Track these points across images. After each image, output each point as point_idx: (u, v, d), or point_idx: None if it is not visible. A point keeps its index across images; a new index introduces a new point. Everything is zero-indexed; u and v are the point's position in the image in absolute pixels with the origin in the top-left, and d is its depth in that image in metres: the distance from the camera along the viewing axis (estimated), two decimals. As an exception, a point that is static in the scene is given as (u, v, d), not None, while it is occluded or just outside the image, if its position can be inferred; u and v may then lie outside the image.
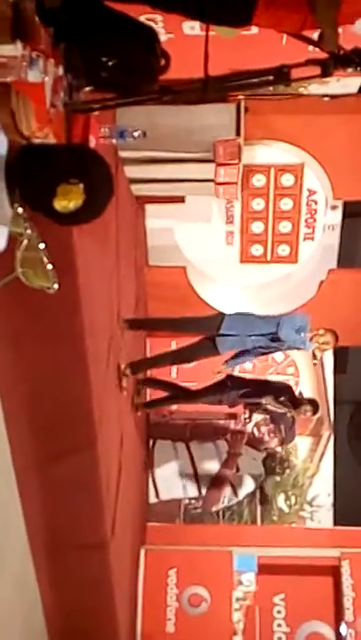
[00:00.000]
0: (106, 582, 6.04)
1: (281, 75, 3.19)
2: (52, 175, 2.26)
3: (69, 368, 4.84)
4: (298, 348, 6.40)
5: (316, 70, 3.34)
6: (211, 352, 6.45)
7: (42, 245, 3.01)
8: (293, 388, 7.32)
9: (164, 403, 7.66)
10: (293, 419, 7.18)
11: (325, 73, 3.25)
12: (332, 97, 6.30)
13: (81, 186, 2.28)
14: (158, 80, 3.42)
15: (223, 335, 6.26)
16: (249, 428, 8.16)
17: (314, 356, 6.49)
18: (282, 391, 6.98)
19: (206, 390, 7.19)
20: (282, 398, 6.78)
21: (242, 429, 8.00)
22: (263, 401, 6.83)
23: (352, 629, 7.28)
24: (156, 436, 8.38)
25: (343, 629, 7.33)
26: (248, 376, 8.12)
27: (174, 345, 8.30)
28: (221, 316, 6.36)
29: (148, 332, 7.78)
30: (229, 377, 7.13)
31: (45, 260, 3.03)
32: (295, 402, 6.88)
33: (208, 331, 6.37)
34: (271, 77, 3.21)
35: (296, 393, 7.24)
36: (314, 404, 7.03)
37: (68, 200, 2.30)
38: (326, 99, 6.42)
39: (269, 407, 6.89)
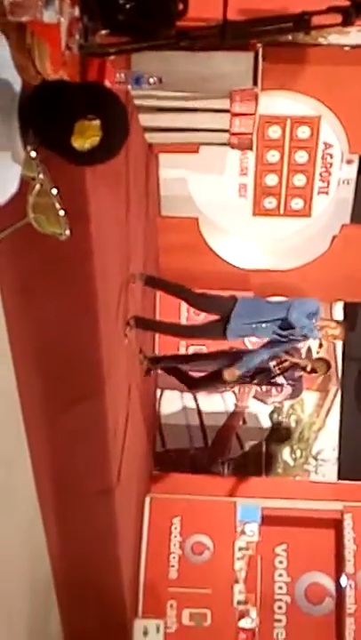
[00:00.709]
0: (111, 529, 6.12)
1: (301, 22, 3.11)
2: (70, 112, 2.22)
3: (80, 316, 4.84)
4: (305, 336, 6.15)
5: (338, 18, 3.26)
6: (218, 335, 6.33)
7: (54, 191, 2.98)
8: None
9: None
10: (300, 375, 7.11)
11: (347, 21, 3.17)
12: (353, 47, 6.17)
13: (98, 122, 2.24)
14: (176, 25, 3.35)
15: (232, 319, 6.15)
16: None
17: (320, 345, 6.39)
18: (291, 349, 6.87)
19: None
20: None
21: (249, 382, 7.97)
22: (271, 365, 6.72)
23: (352, 581, 7.39)
24: (163, 386, 8.41)
25: (343, 581, 7.45)
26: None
27: (183, 305, 8.32)
28: (234, 299, 6.23)
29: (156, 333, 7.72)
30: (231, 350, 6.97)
31: (58, 205, 3.01)
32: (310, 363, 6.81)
33: (220, 311, 6.27)
34: (291, 24, 3.14)
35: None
36: (326, 364, 6.97)
37: (86, 137, 2.26)
38: (347, 48, 6.29)
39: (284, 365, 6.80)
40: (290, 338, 6.11)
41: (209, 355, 7.24)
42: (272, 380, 6.89)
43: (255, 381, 6.94)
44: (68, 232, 3.17)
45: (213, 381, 6.99)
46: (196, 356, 7.53)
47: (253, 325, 6.13)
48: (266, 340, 6.35)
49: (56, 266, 4.47)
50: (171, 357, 7.55)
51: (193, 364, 7.24)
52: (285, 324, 6.04)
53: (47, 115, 2.24)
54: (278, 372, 6.80)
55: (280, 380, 6.89)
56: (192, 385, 7.44)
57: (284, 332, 6.07)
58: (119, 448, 5.96)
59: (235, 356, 6.64)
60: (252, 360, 6.35)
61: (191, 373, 7.29)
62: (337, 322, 6.40)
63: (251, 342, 7.76)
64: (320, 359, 7.12)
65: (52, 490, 5.64)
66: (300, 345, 6.55)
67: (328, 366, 6.96)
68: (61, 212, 3.03)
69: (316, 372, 6.86)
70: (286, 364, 6.73)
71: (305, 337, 6.17)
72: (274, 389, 7.72)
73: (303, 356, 7.22)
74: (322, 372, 6.95)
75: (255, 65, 5.99)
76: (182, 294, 6.71)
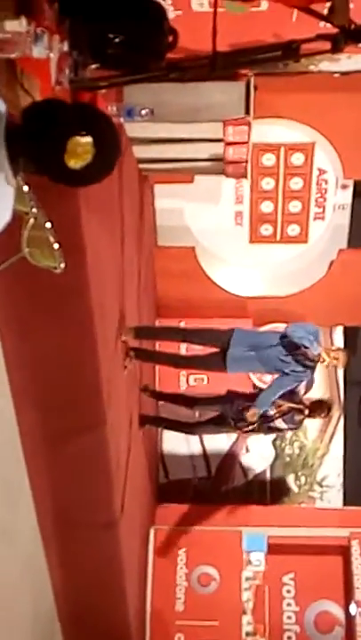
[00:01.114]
0: (115, 561, 6.07)
1: (290, 50, 3.14)
2: (61, 130, 2.23)
3: (78, 349, 4.84)
4: (306, 348, 5.88)
5: (327, 45, 3.29)
6: (218, 366, 6.27)
7: (48, 224, 3.00)
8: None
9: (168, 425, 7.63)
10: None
11: (336, 48, 3.19)
12: (343, 73, 6.23)
13: (90, 139, 2.25)
14: (166, 57, 3.38)
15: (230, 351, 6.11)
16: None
17: (321, 360, 6.21)
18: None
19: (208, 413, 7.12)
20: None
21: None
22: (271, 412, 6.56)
23: (361, 608, 7.32)
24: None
25: (353, 609, 7.35)
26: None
27: (182, 324, 8.32)
28: (231, 330, 6.20)
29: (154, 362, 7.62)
30: (231, 392, 6.89)
31: (52, 239, 3.02)
32: (310, 407, 6.63)
33: (218, 343, 6.22)
34: (280, 53, 3.16)
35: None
36: (326, 405, 6.86)
37: (79, 155, 2.27)
38: (337, 75, 6.35)
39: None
40: (296, 359, 5.99)
41: (212, 399, 7.14)
42: (271, 426, 6.68)
43: (255, 427, 6.63)
44: (62, 265, 3.18)
45: (216, 426, 6.94)
46: (199, 399, 7.40)
47: (253, 353, 6.09)
48: (274, 375, 6.28)
49: (53, 298, 4.48)
50: (173, 397, 7.55)
51: (195, 407, 7.22)
52: (286, 347, 5.98)
53: (38, 135, 2.25)
54: (278, 416, 6.66)
55: (280, 424, 6.68)
56: (191, 430, 7.41)
57: (286, 356, 6.00)
58: (122, 479, 5.93)
59: (239, 398, 6.64)
60: (268, 397, 6.25)
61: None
62: (339, 348, 6.35)
63: (259, 379, 7.82)
64: (320, 401, 6.92)
65: (54, 522, 5.60)
66: (303, 376, 6.42)
67: (328, 409, 6.85)
68: (56, 246, 3.04)
69: (315, 415, 6.74)
70: (285, 409, 6.61)
71: (307, 356, 5.96)
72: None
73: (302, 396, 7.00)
74: (322, 415, 6.83)
75: (247, 94, 6.04)
76: (177, 335, 6.73)
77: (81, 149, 2.25)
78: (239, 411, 6.57)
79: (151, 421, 7.27)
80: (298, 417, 6.62)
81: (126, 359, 6.12)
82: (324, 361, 6.05)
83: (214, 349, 6.29)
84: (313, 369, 6.14)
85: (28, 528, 5.48)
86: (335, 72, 6.29)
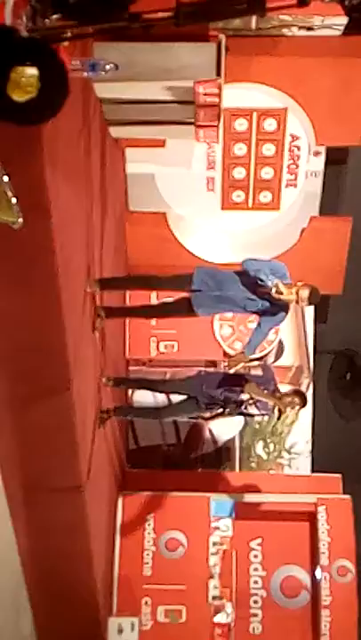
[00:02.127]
0: (81, 526, 6.05)
1: (256, 3, 3.06)
2: (6, 56, 2.15)
3: (43, 311, 4.78)
4: (261, 282, 5.66)
5: (293, 0, 3.23)
6: (188, 312, 6.10)
7: (5, 178, 2.93)
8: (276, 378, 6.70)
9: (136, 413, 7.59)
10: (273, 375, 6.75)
11: (302, 2, 3.13)
12: (309, 28, 6.16)
13: (36, 71, 2.17)
14: (128, 8, 3.29)
15: (195, 292, 5.95)
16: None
17: (278, 292, 5.91)
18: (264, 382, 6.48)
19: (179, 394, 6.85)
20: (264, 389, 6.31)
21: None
22: (244, 397, 6.35)
23: (327, 573, 7.38)
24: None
25: (318, 573, 7.43)
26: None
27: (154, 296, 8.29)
28: (191, 273, 6.02)
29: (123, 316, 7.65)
30: (201, 375, 6.80)
31: (9, 193, 2.96)
32: (281, 394, 6.35)
33: (182, 288, 6.08)
34: (245, 5, 3.09)
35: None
36: (301, 396, 6.47)
37: (22, 87, 2.19)
38: (303, 31, 6.28)
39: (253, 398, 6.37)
40: (261, 296, 5.83)
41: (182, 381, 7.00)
42: (244, 411, 6.50)
43: (227, 411, 6.50)
44: (20, 220, 3.12)
45: (185, 410, 6.72)
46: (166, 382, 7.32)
47: (218, 293, 5.91)
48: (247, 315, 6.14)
49: (17, 260, 4.40)
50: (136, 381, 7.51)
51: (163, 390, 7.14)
52: (246, 284, 5.82)
53: None
54: (251, 402, 6.51)
55: (253, 410, 6.45)
56: (158, 415, 7.14)
57: (252, 294, 5.84)
58: (88, 444, 5.91)
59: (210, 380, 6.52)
60: (256, 340, 6.06)
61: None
62: (305, 283, 5.98)
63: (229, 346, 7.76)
64: (295, 392, 6.60)
65: (20, 486, 5.57)
66: (278, 317, 6.16)
67: (304, 400, 6.47)
68: (14, 200, 2.98)
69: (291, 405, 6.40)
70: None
71: (265, 290, 5.74)
72: None
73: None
74: (298, 405, 6.44)
75: (218, 56, 5.95)
76: (142, 283, 6.63)
77: (25, 81, 2.18)
78: (211, 396, 6.46)
79: (115, 412, 6.83)
80: (271, 403, 6.37)
81: (96, 320, 6.04)
82: (281, 293, 5.65)
83: (182, 294, 6.16)
84: (283, 307, 5.90)
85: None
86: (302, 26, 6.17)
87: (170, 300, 6.54)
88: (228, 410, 6.48)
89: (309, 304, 5.91)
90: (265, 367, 6.82)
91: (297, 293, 5.67)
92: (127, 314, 7.36)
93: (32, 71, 2.16)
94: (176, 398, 6.90)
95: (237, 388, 6.33)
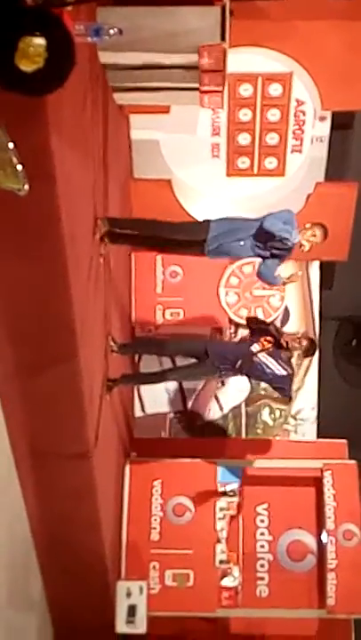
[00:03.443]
0: (89, 492, 6.12)
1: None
2: (13, 27, 2.14)
3: (49, 277, 4.79)
4: (285, 240, 5.83)
5: None
6: (198, 254, 6.17)
7: (11, 145, 2.92)
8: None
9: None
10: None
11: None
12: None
13: (43, 41, 2.16)
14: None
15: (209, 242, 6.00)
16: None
17: (301, 245, 6.05)
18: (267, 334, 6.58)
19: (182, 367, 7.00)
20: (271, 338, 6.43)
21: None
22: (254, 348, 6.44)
23: (333, 537, 7.46)
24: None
25: (324, 537, 7.51)
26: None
27: (159, 259, 8.30)
28: (207, 222, 6.07)
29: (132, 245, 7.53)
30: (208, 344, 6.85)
31: (15, 159, 2.95)
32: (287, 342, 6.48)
33: (197, 236, 6.09)
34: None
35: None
36: (310, 342, 6.65)
37: (30, 57, 2.18)
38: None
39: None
40: (272, 252, 5.95)
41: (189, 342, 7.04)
42: (260, 367, 6.45)
43: (240, 365, 6.48)
44: (26, 187, 3.12)
45: (195, 371, 6.78)
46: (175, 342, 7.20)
47: (231, 243, 5.97)
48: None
49: (23, 226, 4.41)
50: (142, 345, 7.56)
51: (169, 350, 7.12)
52: (263, 237, 5.90)
53: None
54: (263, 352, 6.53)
55: (266, 361, 6.44)
56: (164, 378, 7.21)
57: (262, 246, 5.95)
58: (96, 411, 5.95)
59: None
60: (270, 270, 6.10)
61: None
62: (313, 224, 6.16)
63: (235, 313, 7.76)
64: (305, 338, 6.74)
65: (28, 451, 5.63)
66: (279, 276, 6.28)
67: (314, 345, 6.71)
68: (19, 167, 2.97)
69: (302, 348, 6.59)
70: (270, 347, 6.45)
71: (285, 245, 5.90)
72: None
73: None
74: (308, 350, 6.66)
75: (223, 20, 5.88)
76: (153, 227, 6.42)
77: (33, 50, 2.17)
78: (220, 354, 6.52)
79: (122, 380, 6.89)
80: (284, 354, 6.46)
81: (101, 245, 6.00)
82: (304, 247, 6.02)
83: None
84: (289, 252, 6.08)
85: (2, 454, 5.49)
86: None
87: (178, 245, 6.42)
88: (240, 363, 6.45)
89: (325, 239, 6.17)
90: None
91: (313, 236, 6.06)
92: (133, 242, 7.06)
93: (40, 41, 2.16)
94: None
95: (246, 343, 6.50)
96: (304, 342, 6.58)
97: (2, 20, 2.14)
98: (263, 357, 6.43)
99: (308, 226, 6.07)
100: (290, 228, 5.86)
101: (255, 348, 6.45)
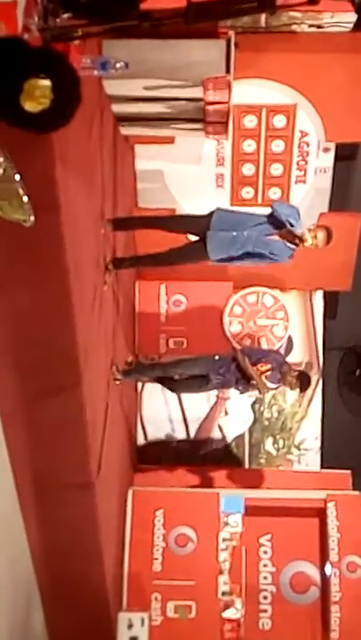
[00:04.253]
0: (92, 522, 6.08)
1: (265, 1, 3.07)
2: (19, 69, 2.16)
3: (53, 307, 4.81)
4: (292, 226, 5.88)
5: None
6: (200, 255, 6.16)
7: (17, 176, 2.94)
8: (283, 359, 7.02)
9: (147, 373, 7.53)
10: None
11: (313, 0, 3.13)
12: (318, 27, 6.16)
13: (49, 82, 2.18)
14: (139, 7, 3.30)
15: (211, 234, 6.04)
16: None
17: (303, 240, 6.01)
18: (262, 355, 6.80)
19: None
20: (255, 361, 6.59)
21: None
22: (238, 357, 6.63)
23: (337, 569, 7.38)
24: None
25: (328, 569, 7.43)
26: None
27: (163, 288, 8.32)
28: (211, 213, 6.10)
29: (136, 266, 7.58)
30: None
31: (21, 191, 2.97)
32: (281, 372, 6.64)
33: (198, 229, 6.14)
34: (255, 4, 3.10)
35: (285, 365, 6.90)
36: (303, 378, 6.77)
37: (36, 98, 2.20)
38: (312, 29, 6.28)
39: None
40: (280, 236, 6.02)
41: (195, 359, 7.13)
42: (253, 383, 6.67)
43: (239, 388, 6.79)
44: (32, 218, 3.13)
45: (199, 385, 6.95)
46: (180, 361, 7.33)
47: (234, 233, 5.98)
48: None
49: (28, 256, 4.43)
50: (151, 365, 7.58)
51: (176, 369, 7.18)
52: (270, 225, 5.96)
53: None
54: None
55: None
56: (174, 387, 7.41)
57: (268, 235, 6.00)
58: (99, 441, 5.93)
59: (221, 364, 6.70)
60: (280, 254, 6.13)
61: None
62: (318, 226, 6.26)
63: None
64: (301, 373, 6.90)
65: (31, 480, 5.60)
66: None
67: (307, 381, 6.87)
68: (25, 198, 2.99)
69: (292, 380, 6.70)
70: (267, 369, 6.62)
71: (293, 234, 5.96)
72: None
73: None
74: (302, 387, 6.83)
75: (228, 53, 5.95)
76: (155, 223, 6.57)
77: (39, 92, 2.19)
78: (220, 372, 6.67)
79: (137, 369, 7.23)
80: (278, 376, 6.64)
81: (106, 273, 6.08)
82: (306, 241, 5.98)
83: (194, 237, 6.23)
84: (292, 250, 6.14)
85: (5, 485, 5.47)
86: (311, 25, 6.17)
87: (180, 246, 6.48)
88: (240, 387, 6.73)
89: (327, 244, 6.16)
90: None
91: (315, 237, 6.01)
92: (135, 263, 7.21)
93: (45, 83, 2.17)
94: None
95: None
96: (294, 380, 6.68)
97: (7, 61, 2.16)
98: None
99: (311, 226, 6.10)
100: (297, 216, 5.93)
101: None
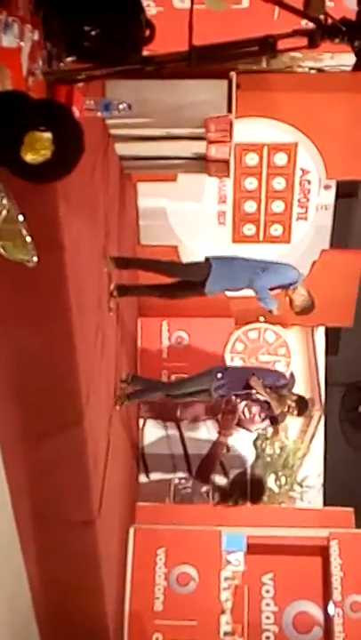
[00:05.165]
0: (93, 559, 6.04)
1: (267, 45, 3.12)
2: (20, 122, 2.18)
3: (56, 346, 4.81)
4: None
5: (304, 41, 3.27)
6: (200, 293, 6.46)
7: (21, 217, 2.97)
8: (287, 379, 7.18)
9: (145, 394, 7.48)
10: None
11: (312, 43, 3.18)
12: (319, 70, 6.25)
13: (50, 135, 2.20)
14: (142, 51, 3.35)
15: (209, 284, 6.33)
16: (240, 408, 8.13)
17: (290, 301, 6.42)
18: (271, 378, 6.90)
19: (191, 380, 7.18)
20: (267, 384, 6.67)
21: (233, 410, 7.93)
22: (252, 380, 6.70)
23: (340, 609, 7.29)
24: (146, 415, 8.37)
25: (331, 609, 7.34)
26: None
27: (165, 325, 8.33)
28: (209, 265, 6.34)
29: (137, 295, 7.65)
30: (217, 367, 7.12)
31: (24, 232, 2.99)
32: (280, 395, 6.73)
33: (197, 276, 6.37)
34: (257, 48, 3.15)
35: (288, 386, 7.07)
36: (301, 402, 6.87)
37: (37, 150, 2.22)
38: (313, 71, 6.36)
39: (255, 393, 6.76)
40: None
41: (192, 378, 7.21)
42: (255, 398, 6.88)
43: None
44: (35, 259, 3.15)
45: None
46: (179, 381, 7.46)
47: (231, 283, 6.38)
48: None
49: (31, 295, 4.44)
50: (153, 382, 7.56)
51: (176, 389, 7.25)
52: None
53: None
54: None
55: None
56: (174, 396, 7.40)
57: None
58: (100, 478, 5.90)
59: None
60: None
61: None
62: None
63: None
64: (299, 397, 7.00)
65: (31, 518, 5.57)
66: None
67: (306, 405, 6.94)
68: (28, 239, 3.01)
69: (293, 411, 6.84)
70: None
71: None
72: (257, 416, 7.68)
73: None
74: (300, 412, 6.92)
75: (229, 92, 6.03)
76: (156, 268, 6.69)
77: (39, 145, 2.20)
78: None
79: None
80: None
81: (110, 300, 6.19)
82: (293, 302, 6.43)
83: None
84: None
85: (5, 522, 5.44)
86: (312, 68, 6.26)
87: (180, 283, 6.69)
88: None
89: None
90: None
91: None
92: (138, 292, 7.30)
93: (46, 135, 2.19)
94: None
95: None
96: (293, 405, 6.74)
97: (8, 114, 2.19)
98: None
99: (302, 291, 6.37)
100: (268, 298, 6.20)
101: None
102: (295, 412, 6.82)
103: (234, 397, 7.10)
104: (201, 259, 6.55)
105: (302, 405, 6.80)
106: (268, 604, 7.53)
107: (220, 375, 6.90)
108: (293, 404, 6.70)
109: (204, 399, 7.33)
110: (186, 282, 6.57)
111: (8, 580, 5.61)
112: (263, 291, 6.22)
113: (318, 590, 7.55)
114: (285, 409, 6.75)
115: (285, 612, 7.50)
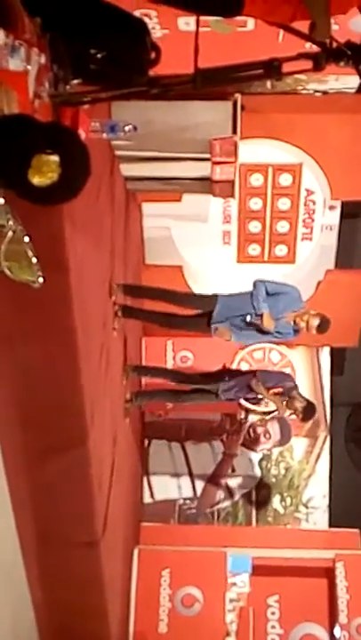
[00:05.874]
0: (97, 581, 6.00)
1: (271, 68, 3.14)
2: (27, 145, 2.19)
3: (60, 366, 4.80)
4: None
5: (309, 64, 3.30)
6: (203, 331, 6.42)
7: (26, 238, 2.98)
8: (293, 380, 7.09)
9: (155, 396, 7.45)
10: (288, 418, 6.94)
11: (317, 66, 3.20)
12: (324, 93, 6.29)
13: (57, 158, 2.21)
14: (148, 73, 3.38)
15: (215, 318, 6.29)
16: (245, 428, 8.11)
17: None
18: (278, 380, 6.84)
19: (201, 375, 7.12)
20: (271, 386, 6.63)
21: (237, 430, 7.91)
22: (253, 383, 6.65)
23: (346, 632, 7.23)
24: (151, 435, 8.35)
25: (337, 632, 7.27)
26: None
27: (170, 344, 8.33)
28: (215, 298, 6.31)
29: (143, 322, 7.67)
30: (227, 369, 7.15)
31: (30, 253, 3.00)
32: (289, 396, 6.67)
33: (202, 308, 6.37)
34: (261, 71, 3.17)
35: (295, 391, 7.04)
36: (308, 408, 6.71)
37: (43, 173, 2.23)
38: (318, 94, 6.40)
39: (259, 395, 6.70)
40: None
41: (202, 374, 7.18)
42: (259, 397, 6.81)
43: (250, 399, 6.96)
44: (40, 279, 3.16)
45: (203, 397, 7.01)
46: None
47: (237, 319, 6.29)
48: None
49: (36, 315, 4.45)
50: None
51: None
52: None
53: (4, 147, 2.21)
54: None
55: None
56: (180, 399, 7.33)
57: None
58: (104, 499, 5.88)
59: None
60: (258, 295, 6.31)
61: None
62: (317, 312, 6.42)
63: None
64: (309, 403, 6.92)
65: (35, 539, 5.54)
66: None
67: (312, 412, 6.83)
68: (34, 260, 3.02)
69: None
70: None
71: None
72: (262, 437, 7.61)
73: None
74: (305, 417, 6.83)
75: (234, 114, 6.07)
76: (163, 297, 6.68)
77: (46, 168, 2.22)
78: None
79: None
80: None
81: (114, 320, 6.17)
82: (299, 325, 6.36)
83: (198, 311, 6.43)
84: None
85: (9, 543, 5.42)
86: (317, 91, 6.31)
87: (186, 315, 6.64)
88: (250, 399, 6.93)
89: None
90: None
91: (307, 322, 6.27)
92: (143, 317, 7.28)
93: (53, 158, 2.21)
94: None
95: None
96: (299, 407, 6.65)
97: (14, 137, 2.21)
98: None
99: (312, 312, 6.33)
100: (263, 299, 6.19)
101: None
102: (300, 417, 6.71)
103: (243, 401, 7.09)
104: (208, 283, 6.58)
105: (309, 411, 6.70)
106: (273, 627, 7.47)
107: (227, 378, 6.86)
108: (300, 408, 6.61)
109: (208, 402, 7.24)
110: (191, 317, 6.55)
111: (12, 601, 5.58)
112: (260, 291, 6.20)
113: (324, 613, 7.49)
114: (291, 411, 6.67)
115: (291, 634, 7.43)
